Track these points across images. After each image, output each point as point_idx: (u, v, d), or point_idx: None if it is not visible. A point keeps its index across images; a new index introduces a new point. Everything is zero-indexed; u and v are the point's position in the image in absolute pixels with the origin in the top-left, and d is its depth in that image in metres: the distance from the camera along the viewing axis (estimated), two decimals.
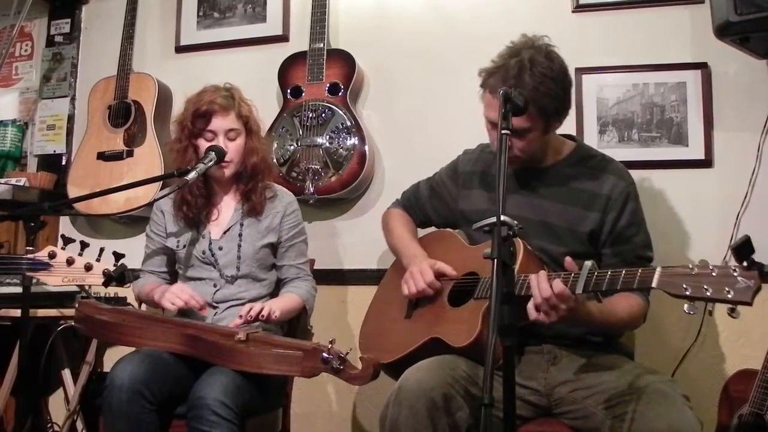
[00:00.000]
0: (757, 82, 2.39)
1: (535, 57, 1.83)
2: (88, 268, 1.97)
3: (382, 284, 2.33)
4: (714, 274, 1.38)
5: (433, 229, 2.34)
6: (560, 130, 2.14)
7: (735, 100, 2.42)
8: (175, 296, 2.13)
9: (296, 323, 2.48)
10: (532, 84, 1.80)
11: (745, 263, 1.33)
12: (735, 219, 2.35)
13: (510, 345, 1.39)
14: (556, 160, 2.02)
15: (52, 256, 1.97)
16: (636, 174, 2.39)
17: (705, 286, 1.38)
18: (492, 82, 1.87)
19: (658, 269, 1.48)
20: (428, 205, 2.29)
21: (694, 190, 2.43)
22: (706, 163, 2.43)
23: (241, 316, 2.08)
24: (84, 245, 2.01)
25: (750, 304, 1.34)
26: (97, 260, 2.00)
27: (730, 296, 1.35)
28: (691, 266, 1.42)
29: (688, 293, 1.40)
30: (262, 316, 2.08)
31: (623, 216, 1.92)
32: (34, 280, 2.03)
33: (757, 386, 1.95)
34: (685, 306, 1.40)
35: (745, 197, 2.35)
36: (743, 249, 1.31)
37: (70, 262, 1.97)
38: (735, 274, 1.35)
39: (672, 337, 2.38)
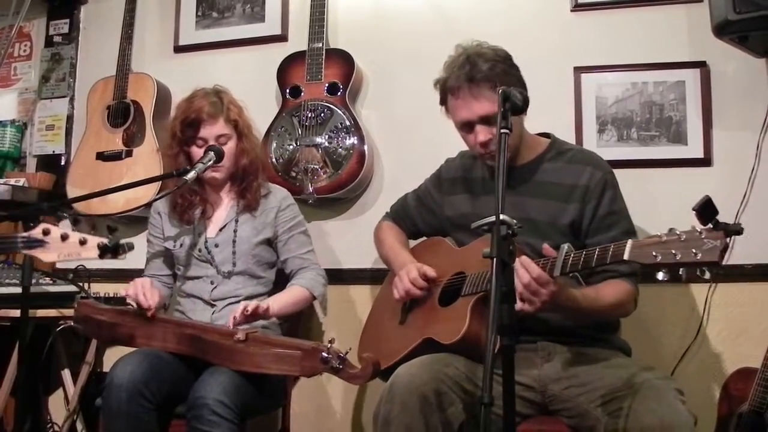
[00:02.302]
0: (756, 80, 2.39)
1: (478, 49, 1.94)
2: (83, 242, 1.94)
3: (378, 296, 2.37)
4: (682, 239, 1.41)
5: (424, 239, 2.35)
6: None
7: (734, 98, 2.42)
8: (129, 286, 2.13)
9: (297, 323, 2.49)
10: (487, 67, 1.88)
11: (710, 225, 1.35)
12: (734, 218, 2.34)
13: (509, 344, 1.39)
14: (533, 157, 2.04)
15: (46, 232, 1.95)
16: (635, 173, 2.41)
17: (674, 251, 1.41)
18: (451, 83, 1.94)
19: (629, 242, 1.52)
20: (416, 215, 2.32)
21: (693, 189, 2.40)
22: (705, 161, 2.43)
23: (234, 318, 2.03)
24: (76, 221, 1.99)
25: (718, 263, 1.36)
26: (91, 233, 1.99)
27: (698, 258, 1.37)
28: (660, 234, 1.45)
29: (658, 260, 1.43)
30: (254, 314, 2.05)
31: (602, 204, 1.94)
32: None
33: (757, 385, 1.95)
34: (659, 274, 1.43)
35: (745, 196, 2.35)
36: (705, 210, 1.33)
37: (64, 237, 1.95)
38: (702, 236, 1.38)
39: (671, 335, 2.38)
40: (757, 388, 1.95)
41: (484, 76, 1.88)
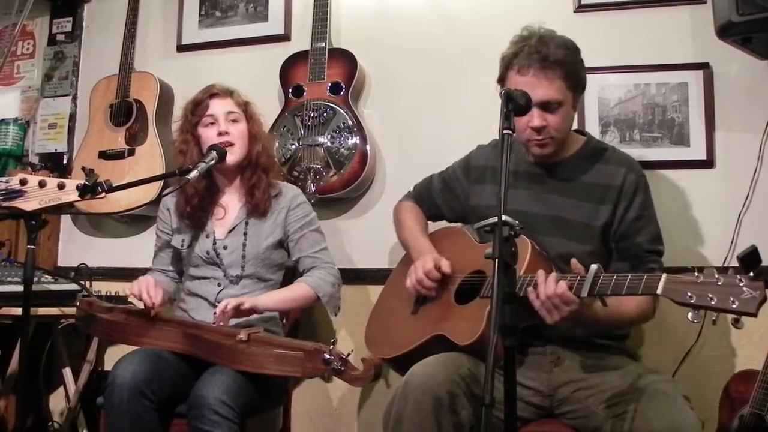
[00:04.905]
0: (759, 82, 2.39)
1: (550, 33, 1.91)
2: (61, 186, 1.96)
3: (390, 279, 2.33)
4: (719, 283, 1.36)
5: (444, 223, 2.33)
6: None
7: (737, 100, 2.42)
8: (134, 285, 2.14)
9: (297, 324, 2.48)
10: (561, 53, 1.85)
11: (751, 273, 1.31)
12: (736, 219, 2.34)
13: (511, 345, 1.39)
14: (568, 155, 2.01)
15: (23, 182, 1.96)
16: None
17: (710, 295, 1.36)
18: (521, 60, 1.87)
19: (664, 276, 1.47)
20: (440, 199, 2.28)
21: (695, 191, 2.43)
22: (708, 163, 2.43)
23: (214, 314, 2.05)
24: (51, 169, 1.95)
25: (755, 315, 1.32)
26: (67, 177, 2.00)
27: (734, 306, 1.33)
28: (696, 274, 1.41)
29: (692, 301, 1.39)
30: (237, 310, 2.05)
31: (632, 207, 1.92)
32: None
33: (758, 387, 1.94)
34: (689, 314, 1.39)
35: (747, 197, 2.35)
36: (750, 259, 1.29)
37: (42, 184, 1.96)
38: (740, 284, 1.33)
39: (673, 337, 2.38)
40: (758, 390, 1.94)
41: (557, 60, 1.84)
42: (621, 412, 1.66)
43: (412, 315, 2.08)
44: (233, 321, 2.10)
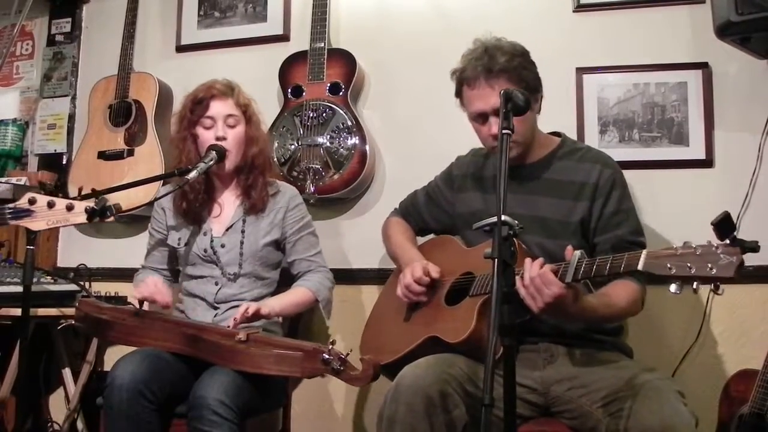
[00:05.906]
0: (758, 82, 2.39)
1: (497, 42, 1.96)
2: (70, 207, 1.96)
3: (382, 292, 2.36)
4: (698, 252, 1.40)
5: (432, 236, 2.35)
6: (558, 128, 2.15)
7: (736, 100, 2.42)
8: (141, 289, 2.13)
9: (297, 323, 2.48)
10: (505, 59, 1.90)
11: (727, 240, 1.35)
12: (736, 219, 2.33)
13: (509, 344, 1.39)
14: (543, 155, 2.04)
15: (32, 201, 1.96)
16: (636, 174, 2.41)
17: (688, 264, 1.40)
18: (468, 73, 1.94)
19: (644, 252, 1.51)
20: (425, 212, 2.31)
21: (694, 190, 2.43)
22: (707, 163, 2.43)
23: (235, 319, 2.03)
24: (59, 188, 1.95)
25: (732, 278, 1.36)
26: (78, 198, 2.01)
27: (713, 273, 1.37)
28: (675, 247, 1.45)
29: (672, 272, 1.42)
30: (255, 315, 2.05)
31: (610, 202, 1.94)
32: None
33: (758, 386, 1.95)
34: (672, 286, 1.42)
35: (746, 197, 2.35)
36: (723, 225, 1.33)
37: (51, 204, 1.96)
38: (718, 251, 1.38)
39: (672, 337, 2.38)
40: (758, 390, 1.94)
41: (501, 68, 1.89)
42: (616, 410, 1.66)
43: (404, 322, 2.10)
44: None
